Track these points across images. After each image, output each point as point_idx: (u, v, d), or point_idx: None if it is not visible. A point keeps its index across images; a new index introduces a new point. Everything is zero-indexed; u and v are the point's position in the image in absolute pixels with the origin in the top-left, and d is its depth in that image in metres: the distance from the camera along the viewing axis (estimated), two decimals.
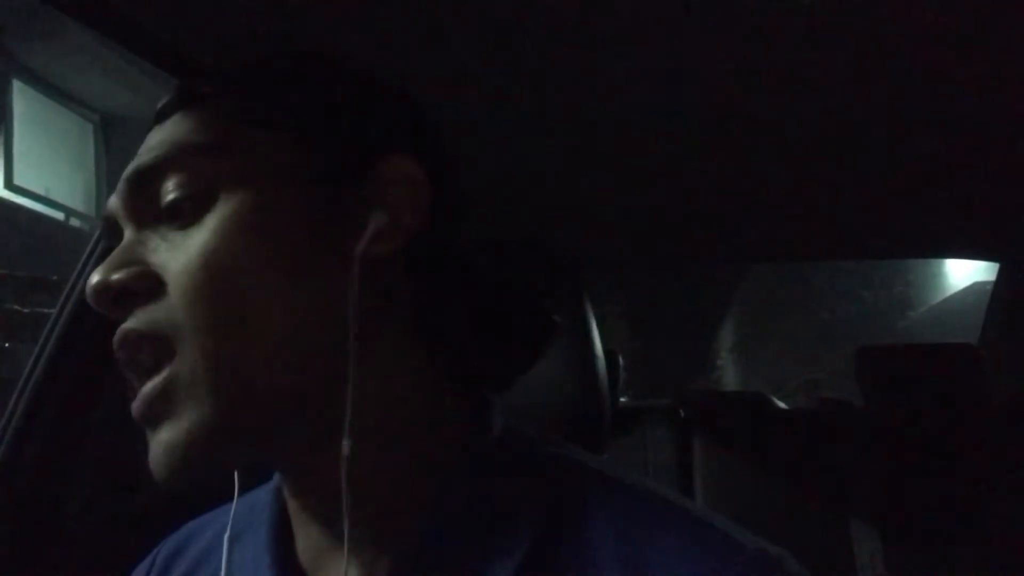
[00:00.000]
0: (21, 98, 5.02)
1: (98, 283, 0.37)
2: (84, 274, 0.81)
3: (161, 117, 0.42)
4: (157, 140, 0.40)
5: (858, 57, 0.74)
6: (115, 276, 0.37)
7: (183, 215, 0.38)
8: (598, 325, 0.80)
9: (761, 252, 1.59)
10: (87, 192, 5.55)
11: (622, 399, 2.26)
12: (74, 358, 0.83)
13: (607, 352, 0.86)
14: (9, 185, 4.84)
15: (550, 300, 0.78)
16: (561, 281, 0.81)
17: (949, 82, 0.79)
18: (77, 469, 0.85)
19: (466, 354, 0.43)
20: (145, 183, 0.39)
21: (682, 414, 1.41)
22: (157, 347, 0.36)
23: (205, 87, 0.41)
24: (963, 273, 5.68)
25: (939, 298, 6.29)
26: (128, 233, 0.40)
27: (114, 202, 0.41)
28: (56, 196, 5.24)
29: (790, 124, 0.90)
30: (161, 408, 0.36)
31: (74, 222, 5.40)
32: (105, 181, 5.49)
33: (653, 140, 0.95)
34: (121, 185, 0.40)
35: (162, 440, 0.36)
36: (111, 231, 0.41)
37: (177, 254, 0.37)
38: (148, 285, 0.37)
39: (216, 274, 0.36)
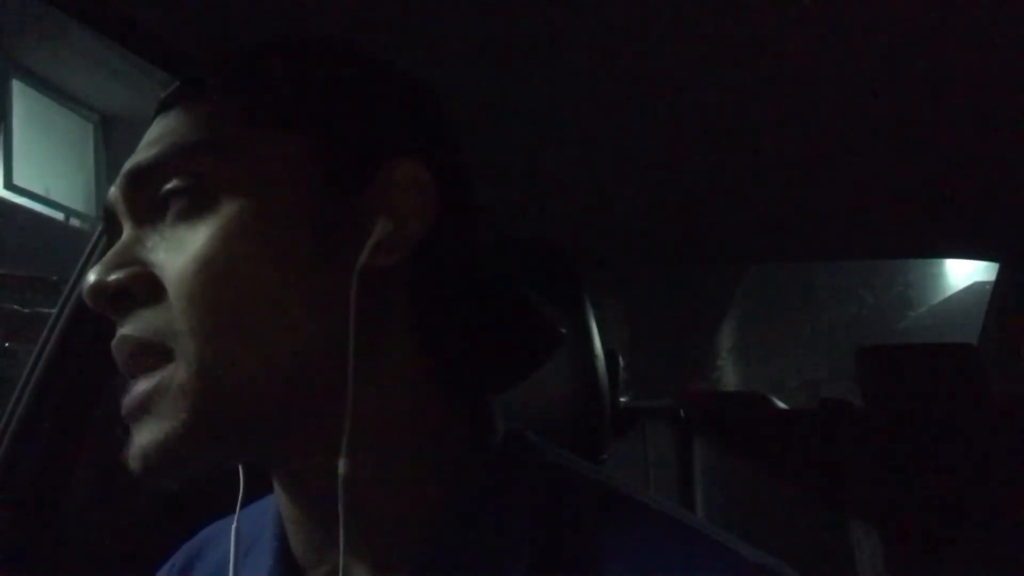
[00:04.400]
0: (21, 98, 5.01)
1: (95, 283, 0.37)
2: (84, 274, 0.81)
3: (164, 108, 0.41)
4: (158, 134, 0.39)
5: (858, 57, 0.74)
6: (112, 277, 0.37)
7: (183, 215, 0.37)
8: (598, 325, 0.80)
9: (761, 252, 1.59)
10: (87, 192, 5.54)
11: (622, 399, 2.26)
12: (74, 358, 0.83)
13: (607, 352, 0.85)
14: (9, 185, 4.84)
15: (550, 300, 0.78)
16: (561, 281, 0.81)
17: (949, 82, 0.79)
18: (77, 469, 0.85)
19: (469, 363, 0.43)
20: (145, 180, 0.38)
21: (682, 414, 1.41)
22: (155, 353, 0.36)
23: (209, 81, 0.40)
24: (963, 273, 5.68)
25: (939, 298, 6.28)
26: (127, 229, 0.39)
27: (114, 194, 0.40)
28: (56, 196, 5.24)
29: (790, 124, 0.90)
30: (147, 407, 0.36)
31: (74, 222, 5.39)
32: (105, 181, 5.49)
33: (653, 140, 0.95)
34: (120, 180, 0.39)
35: (142, 439, 0.36)
36: (111, 223, 0.41)
37: (175, 256, 0.36)
38: (146, 287, 0.36)
39: (214, 280, 0.35)
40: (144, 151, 0.39)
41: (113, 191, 0.40)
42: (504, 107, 0.84)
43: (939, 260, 5.60)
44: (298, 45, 0.43)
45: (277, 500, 0.42)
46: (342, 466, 0.36)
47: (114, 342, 0.37)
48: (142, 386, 0.36)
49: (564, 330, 0.45)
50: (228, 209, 0.37)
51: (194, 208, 0.37)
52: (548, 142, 0.95)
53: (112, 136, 5.54)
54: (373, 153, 0.40)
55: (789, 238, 1.42)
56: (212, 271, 0.35)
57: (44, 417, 0.83)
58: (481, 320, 0.43)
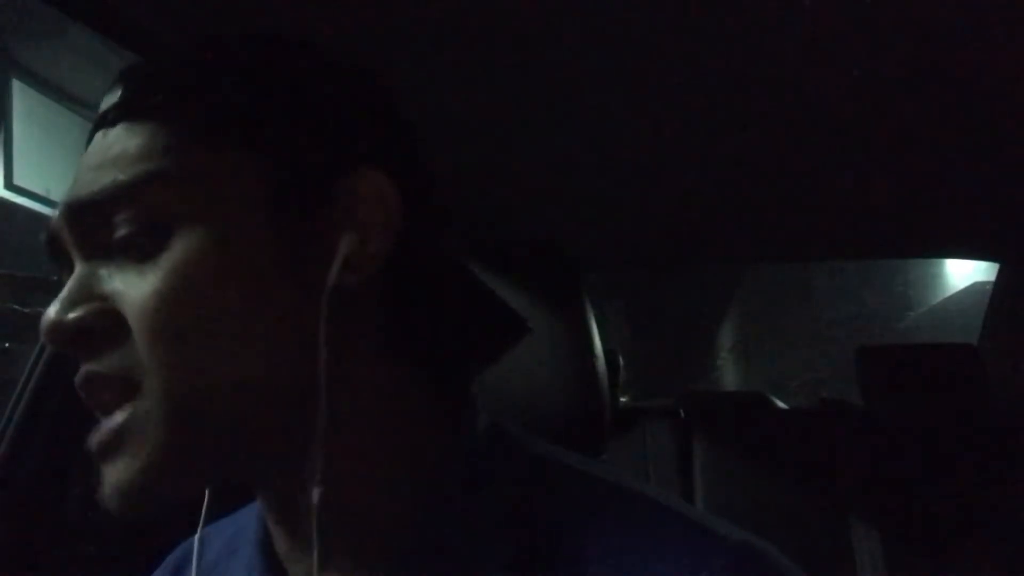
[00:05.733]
0: (21, 98, 5.01)
1: (54, 322, 0.35)
2: None
3: (104, 124, 0.38)
4: (100, 159, 0.37)
5: (858, 57, 0.74)
6: (71, 315, 0.35)
7: (137, 250, 0.35)
8: (598, 325, 0.80)
9: (761, 252, 1.59)
10: None
11: (622, 399, 2.26)
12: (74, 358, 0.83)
13: (607, 352, 0.85)
14: (9, 185, 4.83)
15: (550, 300, 0.78)
16: (561, 281, 0.81)
17: (949, 82, 0.79)
18: (77, 469, 0.85)
19: (438, 360, 0.42)
20: (90, 214, 0.36)
21: (682, 414, 1.41)
22: (122, 388, 0.35)
23: (155, 97, 0.37)
24: (963, 273, 5.68)
25: (939, 298, 6.28)
26: (78, 266, 0.37)
27: (58, 225, 0.37)
28: (56, 196, 5.19)
29: (790, 124, 0.90)
30: (119, 444, 0.35)
31: None
32: None
33: (653, 140, 0.95)
34: (65, 212, 0.37)
35: (115, 477, 0.35)
36: (56, 253, 0.38)
37: (134, 290, 0.35)
38: (108, 323, 0.35)
39: (178, 313, 0.34)
40: (87, 182, 0.37)
41: (58, 222, 0.37)
42: (504, 107, 0.84)
43: (939, 260, 5.59)
44: (247, 49, 0.40)
45: (263, 511, 0.42)
46: (315, 496, 0.35)
47: (78, 379, 0.36)
48: (112, 422, 0.35)
49: (525, 319, 0.45)
50: (186, 240, 0.35)
51: (149, 243, 0.35)
52: (548, 142, 0.95)
53: None
54: (333, 166, 0.38)
55: (789, 238, 1.42)
56: (175, 305, 0.34)
57: (44, 417, 0.83)
58: (450, 318, 0.42)
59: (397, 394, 0.40)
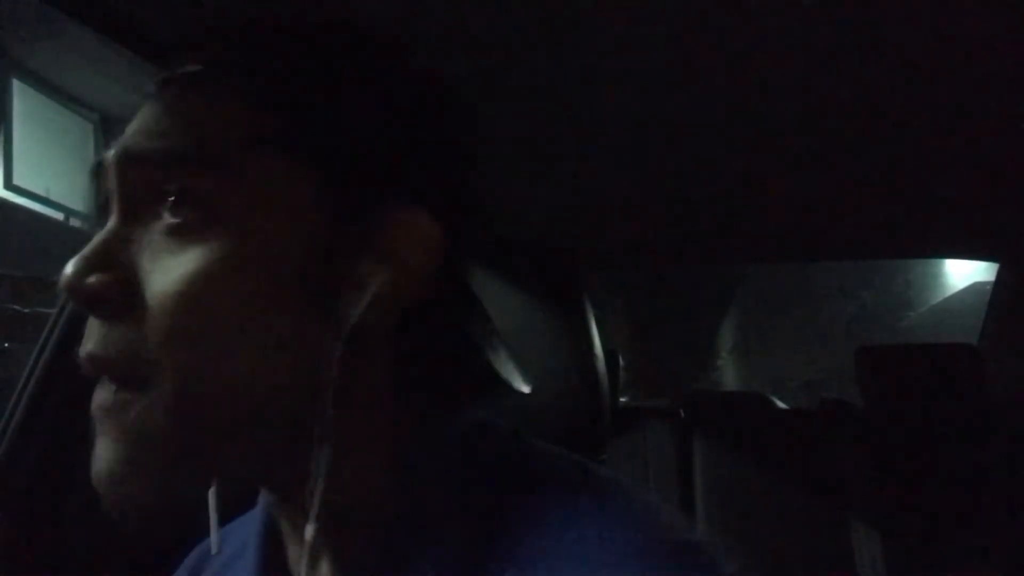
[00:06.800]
0: (21, 98, 5.01)
1: (69, 282, 0.34)
2: None
3: (168, 87, 0.37)
4: (160, 124, 0.35)
5: (858, 57, 0.74)
6: (90, 279, 0.34)
7: (175, 228, 0.34)
8: (598, 325, 0.80)
9: (761, 252, 1.59)
10: (87, 192, 5.54)
11: (622, 399, 2.26)
12: (74, 358, 0.83)
13: (607, 352, 0.86)
14: (9, 185, 4.83)
15: (550, 300, 0.78)
16: (561, 281, 0.81)
17: (949, 82, 0.79)
18: (77, 469, 0.85)
19: (436, 395, 0.41)
20: (141, 168, 0.35)
21: (682, 414, 1.41)
22: (125, 373, 0.34)
23: (223, 78, 0.36)
24: (963, 273, 5.67)
25: (939, 298, 6.28)
26: (113, 218, 0.36)
27: (109, 162, 0.36)
28: (56, 196, 5.23)
29: (790, 124, 0.90)
30: (110, 423, 0.34)
31: (74, 222, 5.39)
32: None
33: (653, 140, 0.95)
34: (122, 155, 0.36)
35: (109, 456, 0.34)
36: (99, 185, 0.38)
37: (161, 273, 0.34)
38: (124, 297, 0.34)
39: (198, 312, 0.33)
40: (146, 137, 0.36)
41: (110, 158, 0.36)
42: (503, 107, 0.84)
43: (939, 260, 5.59)
44: (318, 44, 0.38)
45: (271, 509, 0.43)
46: (308, 532, 0.35)
47: (82, 357, 0.35)
48: (115, 398, 0.34)
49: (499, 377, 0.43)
50: (228, 234, 0.34)
51: (189, 225, 0.34)
52: (548, 142, 0.94)
53: (112, 136, 5.52)
54: (386, 195, 0.37)
55: (789, 238, 1.42)
56: (197, 303, 0.33)
57: (44, 417, 0.83)
58: (454, 363, 0.41)
59: (391, 416, 0.39)
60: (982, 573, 1.12)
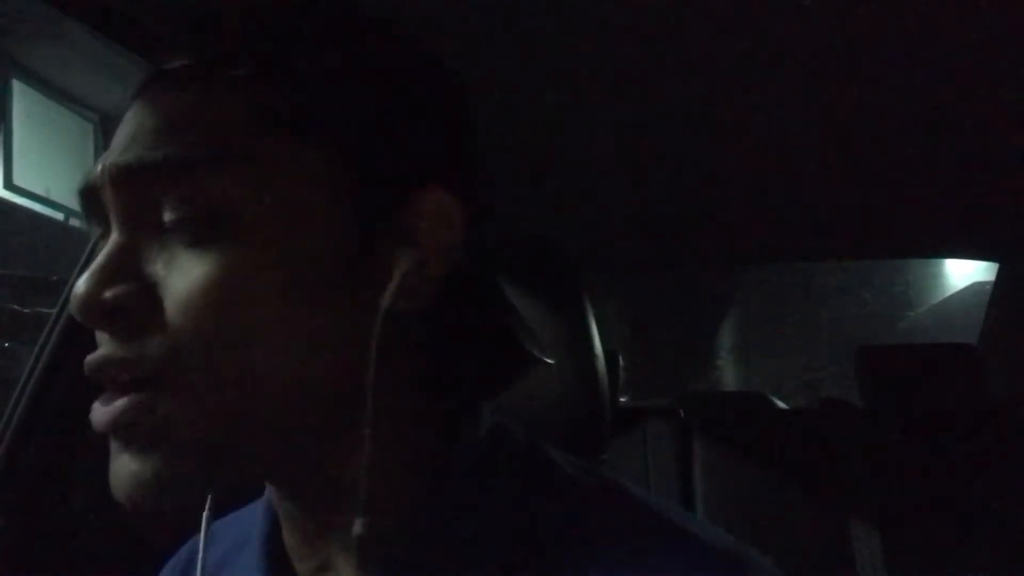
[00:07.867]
0: (21, 98, 5.01)
1: (86, 297, 0.32)
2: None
3: (160, 81, 0.34)
4: (162, 122, 0.33)
5: (858, 57, 0.74)
6: (107, 293, 0.32)
7: (189, 234, 0.32)
8: (598, 325, 0.80)
9: (761, 252, 1.59)
10: None
11: (622, 399, 2.26)
12: (74, 358, 0.83)
13: (607, 352, 0.85)
14: (9, 185, 4.83)
15: (550, 300, 0.78)
16: (561, 281, 0.81)
17: (949, 82, 0.79)
18: (77, 469, 0.85)
19: (465, 383, 0.41)
20: (143, 184, 0.33)
21: (682, 414, 1.41)
22: (148, 379, 0.32)
23: (240, 66, 0.33)
24: (963, 273, 5.67)
25: (939, 298, 6.28)
26: (117, 233, 0.34)
27: (101, 181, 0.34)
28: (56, 196, 5.23)
29: (790, 124, 0.90)
30: (137, 434, 0.32)
31: (74, 222, 5.39)
32: None
33: (653, 140, 0.95)
34: (112, 172, 0.33)
35: (135, 467, 0.32)
36: (91, 207, 0.35)
37: (179, 280, 0.32)
38: (145, 309, 0.32)
39: (224, 313, 0.32)
40: (145, 143, 0.33)
41: (100, 177, 0.34)
42: (503, 107, 0.84)
43: (939, 260, 5.59)
44: (325, 20, 0.36)
45: (270, 495, 0.42)
46: (358, 526, 0.34)
47: (94, 360, 0.33)
48: (132, 407, 0.32)
49: (536, 352, 0.43)
50: (247, 233, 0.32)
51: (204, 228, 0.32)
52: (548, 142, 0.94)
53: (112, 136, 5.54)
54: (407, 176, 0.35)
55: (789, 238, 1.42)
56: (225, 302, 0.32)
57: (44, 417, 0.83)
58: (485, 347, 0.41)
59: (416, 405, 0.39)
60: (982, 573, 1.12)
